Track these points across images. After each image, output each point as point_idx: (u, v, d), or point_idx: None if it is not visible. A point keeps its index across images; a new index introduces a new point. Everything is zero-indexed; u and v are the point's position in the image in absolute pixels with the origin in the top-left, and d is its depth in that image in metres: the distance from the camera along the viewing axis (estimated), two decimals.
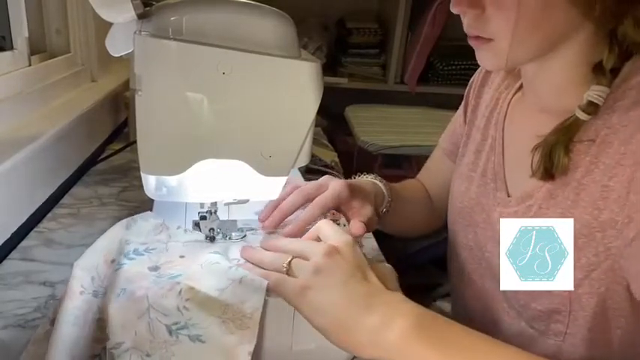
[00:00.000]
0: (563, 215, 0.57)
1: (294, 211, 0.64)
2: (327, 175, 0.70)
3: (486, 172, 0.70)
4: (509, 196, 0.65)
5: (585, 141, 0.55)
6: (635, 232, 0.50)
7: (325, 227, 0.56)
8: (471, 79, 0.81)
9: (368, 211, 0.67)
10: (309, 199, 0.65)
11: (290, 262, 0.52)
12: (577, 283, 0.56)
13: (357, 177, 0.78)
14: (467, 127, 0.78)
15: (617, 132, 0.53)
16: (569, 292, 0.57)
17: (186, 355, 0.45)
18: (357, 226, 0.63)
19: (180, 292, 0.48)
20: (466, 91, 0.81)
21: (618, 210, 0.52)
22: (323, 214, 0.64)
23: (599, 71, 0.55)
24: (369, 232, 0.69)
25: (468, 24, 0.57)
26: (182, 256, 0.55)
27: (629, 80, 0.54)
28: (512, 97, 0.70)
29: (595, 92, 0.54)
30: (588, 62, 0.56)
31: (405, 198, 0.79)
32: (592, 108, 0.54)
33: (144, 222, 0.60)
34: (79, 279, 0.52)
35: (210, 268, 0.52)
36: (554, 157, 0.56)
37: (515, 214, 0.63)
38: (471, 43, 0.59)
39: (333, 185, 0.66)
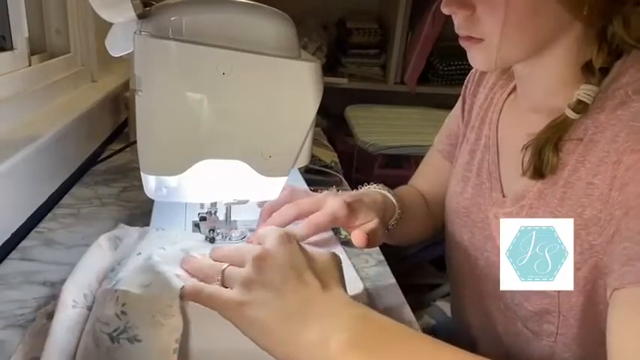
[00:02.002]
0: (552, 215, 0.57)
1: (285, 226, 0.60)
2: (327, 192, 0.66)
3: (481, 172, 0.70)
4: (504, 197, 0.65)
5: (574, 140, 0.56)
6: (614, 229, 0.51)
7: (264, 231, 0.51)
8: (467, 79, 0.80)
9: (372, 225, 0.63)
10: (301, 215, 0.62)
11: (224, 270, 0.48)
12: None
13: (364, 187, 0.75)
14: (463, 127, 0.78)
15: (605, 131, 0.53)
16: (558, 292, 0.58)
17: (127, 358, 0.45)
18: (358, 236, 0.60)
19: (117, 299, 0.48)
20: (462, 90, 0.81)
21: (601, 207, 0.52)
22: (317, 234, 0.62)
23: (588, 70, 0.55)
24: (374, 246, 0.66)
25: (459, 24, 0.58)
26: (139, 254, 0.55)
27: (618, 80, 0.55)
28: (506, 98, 0.70)
29: (584, 91, 0.55)
30: (578, 62, 0.56)
31: (408, 207, 0.76)
32: (581, 107, 0.55)
33: (130, 239, 0.60)
34: (71, 294, 0.53)
35: (143, 265, 0.52)
36: (543, 156, 0.57)
37: (510, 215, 0.63)
38: (462, 43, 0.60)
39: (330, 204, 0.62)
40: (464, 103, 0.79)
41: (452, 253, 0.78)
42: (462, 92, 0.81)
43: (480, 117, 0.73)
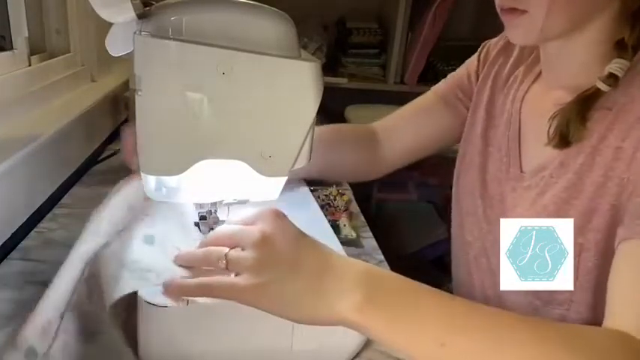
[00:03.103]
0: (572, 182, 0.59)
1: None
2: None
3: (501, 148, 0.71)
4: (522, 172, 0.67)
5: (603, 109, 0.58)
6: (632, 187, 0.53)
7: (252, 214, 0.51)
8: (482, 48, 0.81)
9: None
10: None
11: (226, 255, 0.48)
12: (588, 247, 0.58)
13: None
14: (476, 88, 0.79)
15: (635, 101, 0.56)
16: (578, 255, 0.59)
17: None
18: None
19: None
20: (477, 55, 0.81)
21: (625, 168, 0.54)
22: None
23: (621, 47, 0.58)
24: None
25: None
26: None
27: None
28: (533, 80, 0.71)
29: (616, 65, 0.57)
30: (610, 40, 0.58)
31: (333, 144, 0.82)
32: (612, 80, 0.57)
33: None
34: (46, 315, 0.52)
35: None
36: (570, 125, 0.58)
37: (528, 188, 0.65)
38: (504, 16, 0.60)
39: None
40: (477, 72, 0.81)
41: (461, 229, 0.79)
42: (477, 55, 0.81)
43: (504, 93, 0.75)
